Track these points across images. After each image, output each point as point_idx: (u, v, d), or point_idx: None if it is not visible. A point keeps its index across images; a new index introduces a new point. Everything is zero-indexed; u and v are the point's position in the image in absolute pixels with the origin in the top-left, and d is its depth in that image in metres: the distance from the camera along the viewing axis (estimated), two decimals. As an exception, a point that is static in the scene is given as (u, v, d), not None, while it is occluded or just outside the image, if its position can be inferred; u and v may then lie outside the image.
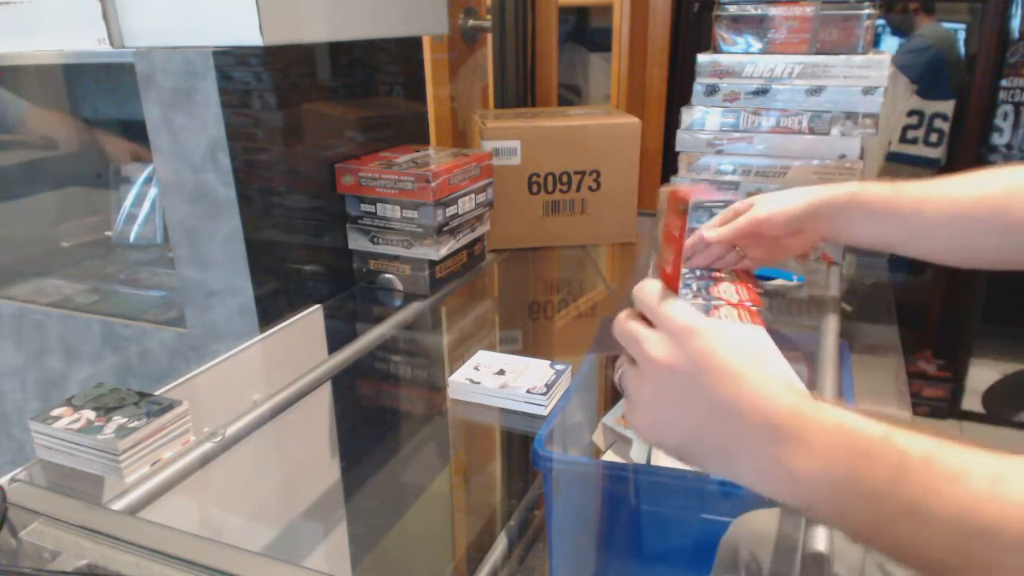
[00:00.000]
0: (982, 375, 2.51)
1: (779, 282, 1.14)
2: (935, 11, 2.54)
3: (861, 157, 1.15)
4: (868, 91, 1.11)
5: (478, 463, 1.18)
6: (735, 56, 1.16)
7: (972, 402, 2.49)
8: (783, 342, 1.05)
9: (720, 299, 0.98)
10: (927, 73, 2.49)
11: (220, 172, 0.96)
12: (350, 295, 1.16)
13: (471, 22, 1.61)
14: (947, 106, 2.48)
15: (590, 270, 1.35)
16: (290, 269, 1.07)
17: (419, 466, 1.08)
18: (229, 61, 0.94)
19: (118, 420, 0.70)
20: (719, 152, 1.21)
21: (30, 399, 1.33)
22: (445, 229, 1.11)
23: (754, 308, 0.95)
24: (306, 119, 1.06)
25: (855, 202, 0.76)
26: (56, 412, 0.71)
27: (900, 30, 2.62)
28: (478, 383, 0.87)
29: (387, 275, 1.15)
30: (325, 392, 0.94)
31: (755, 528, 0.69)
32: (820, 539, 0.57)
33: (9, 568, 0.57)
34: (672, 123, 1.37)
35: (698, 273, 1.08)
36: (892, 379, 0.89)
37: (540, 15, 1.63)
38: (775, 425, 0.41)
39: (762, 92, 1.16)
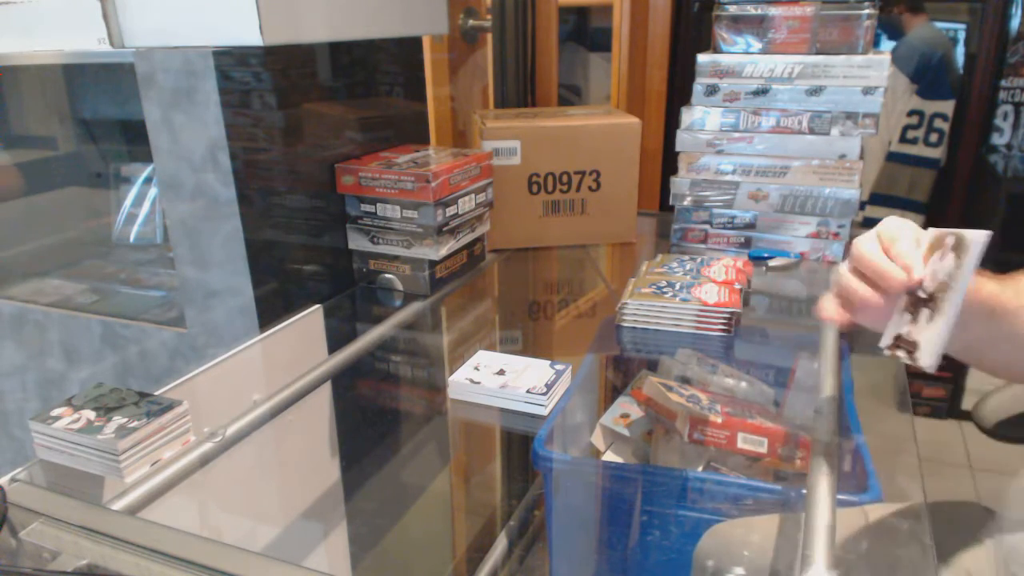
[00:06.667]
0: (982, 376, 2.51)
1: (779, 260, 1.20)
2: (923, 11, 2.53)
3: (861, 157, 1.15)
4: (868, 91, 1.11)
5: (478, 463, 1.18)
6: (735, 56, 1.16)
7: (972, 402, 2.48)
8: (783, 343, 1.06)
9: (708, 278, 1.04)
10: (924, 74, 2.49)
11: (220, 172, 0.96)
12: (350, 295, 1.16)
13: (471, 22, 1.61)
14: (947, 106, 2.47)
15: (590, 270, 1.35)
16: (290, 269, 1.07)
17: (419, 466, 1.08)
18: (229, 61, 0.94)
19: (118, 420, 0.70)
20: (719, 152, 1.21)
21: (30, 399, 1.33)
22: (445, 229, 1.11)
23: (737, 287, 1.01)
24: (306, 119, 1.06)
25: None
26: (56, 412, 0.71)
27: (894, 31, 2.62)
28: (478, 383, 0.87)
29: (387, 275, 1.15)
30: (325, 392, 0.94)
31: (726, 539, 0.69)
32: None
33: (9, 568, 0.57)
34: (672, 123, 1.37)
35: (696, 258, 1.14)
36: (892, 379, 0.89)
37: (540, 15, 1.63)
38: None
39: (762, 92, 1.16)
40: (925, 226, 0.60)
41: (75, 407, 0.72)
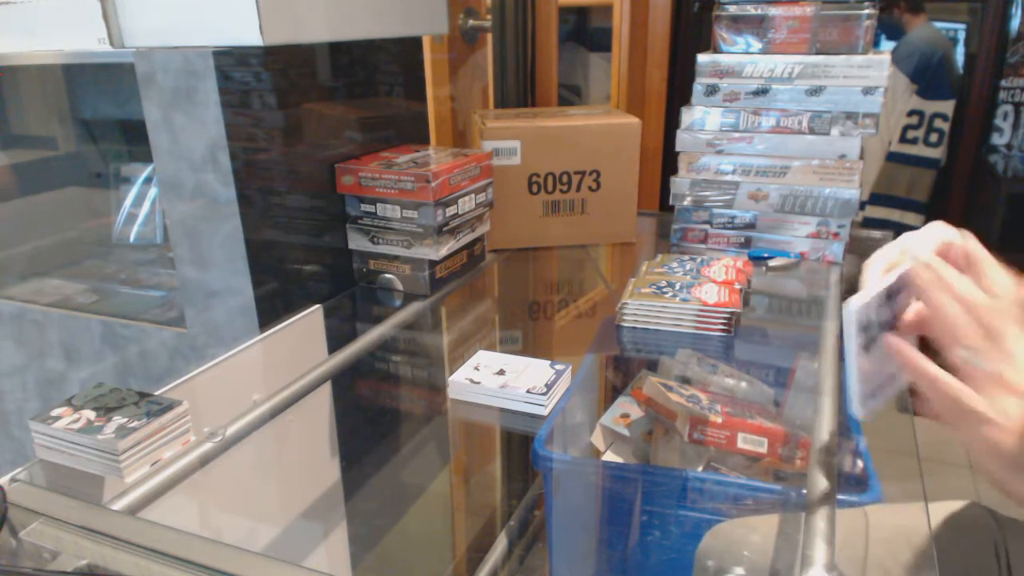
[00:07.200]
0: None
1: (779, 260, 1.21)
2: (923, 11, 2.53)
3: (861, 157, 1.15)
4: (868, 91, 1.11)
5: (478, 463, 1.18)
6: (735, 56, 1.16)
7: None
8: (783, 343, 1.06)
9: (708, 278, 1.05)
10: (924, 74, 2.49)
11: (220, 172, 0.96)
12: (350, 295, 1.16)
13: (471, 22, 1.61)
14: (947, 106, 2.48)
15: (590, 270, 1.35)
16: (290, 269, 1.07)
17: (419, 466, 1.08)
18: (229, 61, 0.94)
19: (118, 420, 0.70)
20: (719, 152, 1.21)
21: (30, 399, 1.33)
22: (445, 229, 1.11)
23: (737, 287, 1.01)
24: (306, 119, 1.06)
25: None
26: (56, 412, 0.71)
27: (894, 31, 2.62)
28: (478, 383, 0.87)
29: (387, 275, 1.15)
30: (325, 392, 0.94)
31: (728, 539, 0.69)
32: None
33: (9, 568, 0.57)
34: (672, 123, 1.37)
35: (696, 258, 1.14)
36: (892, 379, 0.89)
37: (540, 15, 1.63)
38: None
39: (762, 92, 1.16)
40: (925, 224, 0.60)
41: (75, 407, 0.72)
